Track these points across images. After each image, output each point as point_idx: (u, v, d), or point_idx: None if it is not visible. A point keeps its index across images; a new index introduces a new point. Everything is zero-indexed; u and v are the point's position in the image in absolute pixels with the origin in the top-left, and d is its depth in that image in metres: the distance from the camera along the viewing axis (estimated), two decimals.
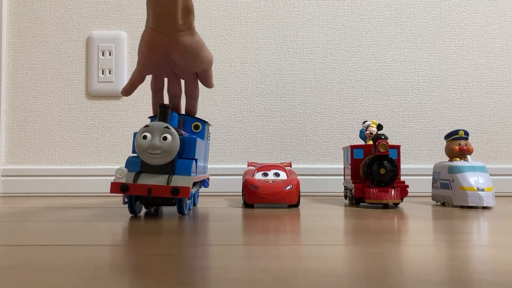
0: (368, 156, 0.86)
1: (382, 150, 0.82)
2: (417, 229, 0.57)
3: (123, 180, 0.60)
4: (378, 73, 1.20)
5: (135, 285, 0.29)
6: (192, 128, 0.76)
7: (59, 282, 0.30)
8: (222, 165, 1.18)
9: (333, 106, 1.19)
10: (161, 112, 0.64)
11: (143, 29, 1.20)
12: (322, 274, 0.32)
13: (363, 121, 0.97)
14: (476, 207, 0.82)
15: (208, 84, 0.78)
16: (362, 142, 0.94)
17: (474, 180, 0.83)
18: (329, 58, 1.20)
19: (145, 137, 0.61)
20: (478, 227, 0.59)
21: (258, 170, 0.89)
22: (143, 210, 0.75)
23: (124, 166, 0.63)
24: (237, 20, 1.19)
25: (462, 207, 0.83)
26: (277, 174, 0.87)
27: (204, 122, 0.77)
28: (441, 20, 1.20)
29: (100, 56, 1.17)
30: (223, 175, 1.16)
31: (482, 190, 0.82)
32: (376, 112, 1.19)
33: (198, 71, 0.75)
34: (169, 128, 0.61)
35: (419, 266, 0.35)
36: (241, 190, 0.89)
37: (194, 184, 0.73)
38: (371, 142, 0.90)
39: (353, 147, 0.90)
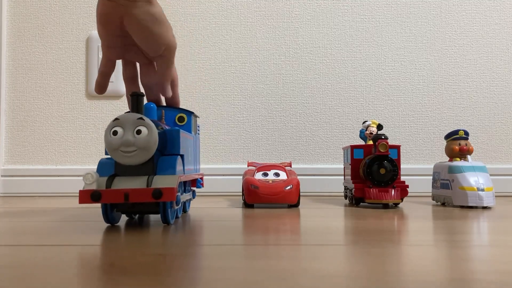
0: (368, 156, 0.86)
1: (382, 150, 0.82)
2: (417, 229, 0.57)
3: (94, 187, 0.50)
4: (378, 73, 1.20)
5: (135, 285, 0.29)
6: (176, 120, 0.66)
7: (58, 282, 0.30)
8: (222, 165, 1.17)
9: (333, 106, 1.19)
10: (133, 102, 0.54)
11: None
12: (322, 274, 0.32)
13: (363, 121, 0.97)
14: (476, 207, 0.82)
15: (163, 85, 0.64)
16: (362, 142, 0.94)
17: (474, 180, 0.83)
18: (329, 58, 1.20)
19: (115, 133, 0.51)
20: (478, 227, 0.59)
21: (258, 170, 0.89)
22: (124, 217, 0.64)
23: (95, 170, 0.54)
24: (237, 20, 1.19)
25: (462, 207, 0.83)
26: (277, 174, 0.87)
27: (189, 113, 0.67)
28: (441, 20, 1.20)
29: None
30: (223, 175, 1.16)
31: (482, 190, 0.82)
32: (376, 112, 1.19)
33: (155, 59, 0.62)
34: (143, 119, 0.51)
35: (419, 266, 0.35)
36: (241, 190, 0.89)
37: (183, 184, 0.63)
38: (371, 142, 0.90)
39: (353, 147, 0.90)
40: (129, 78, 0.67)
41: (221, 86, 1.19)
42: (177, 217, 0.62)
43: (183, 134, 0.58)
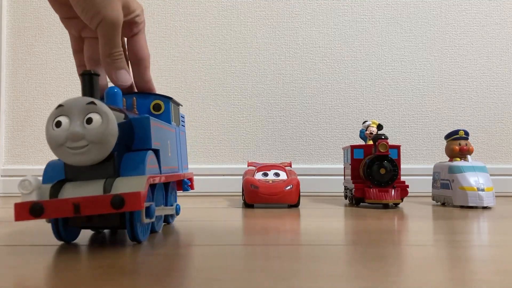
0: (368, 156, 0.86)
1: (382, 150, 0.82)
2: (417, 229, 0.57)
3: (34, 197, 0.39)
4: (378, 73, 1.19)
5: (135, 285, 0.29)
6: (151, 109, 0.54)
7: (58, 282, 0.30)
8: (222, 165, 1.17)
9: (333, 106, 1.19)
10: (85, 83, 0.41)
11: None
12: (322, 274, 0.32)
13: (363, 121, 0.97)
14: (476, 207, 0.82)
15: (104, 67, 0.50)
16: (362, 142, 0.94)
17: (474, 180, 0.83)
18: (329, 58, 1.20)
19: (59, 124, 0.39)
20: (478, 227, 0.59)
21: (258, 170, 0.89)
22: (87, 233, 0.51)
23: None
24: (237, 20, 1.19)
25: (462, 207, 0.83)
26: (277, 174, 0.87)
27: (167, 99, 0.55)
28: (441, 20, 1.20)
29: None
30: (223, 175, 1.16)
31: (482, 190, 0.82)
32: (376, 112, 1.19)
33: (98, 32, 0.48)
34: (95, 104, 0.39)
35: (419, 266, 0.35)
36: (241, 190, 0.89)
37: (163, 189, 0.52)
38: (371, 142, 0.90)
39: (353, 147, 0.90)
40: (76, 51, 0.54)
41: (221, 86, 1.19)
42: (154, 230, 0.50)
43: (156, 123, 0.47)
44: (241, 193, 0.89)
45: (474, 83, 1.20)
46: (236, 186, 1.10)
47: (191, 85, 1.18)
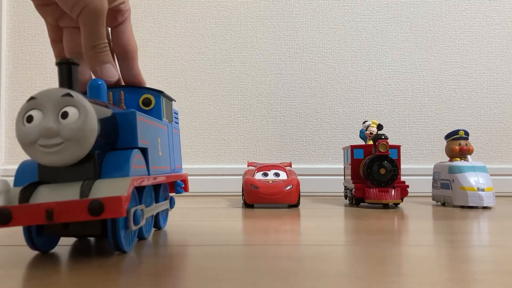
0: (368, 156, 0.86)
1: (382, 150, 0.82)
2: (417, 229, 0.57)
3: (1, 202, 0.35)
4: (378, 73, 1.19)
5: (136, 285, 0.29)
6: (140, 104, 0.50)
7: (58, 282, 0.30)
8: (222, 165, 1.17)
9: (333, 106, 1.19)
10: (61, 73, 0.37)
11: (143, 29, 1.21)
12: (322, 274, 0.32)
13: (363, 121, 0.97)
14: (476, 207, 0.82)
15: (87, 60, 0.44)
16: (362, 142, 0.94)
17: (474, 180, 0.83)
18: (329, 58, 1.20)
19: (30, 119, 0.35)
20: (478, 227, 0.59)
21: (258, 170, 0.89)
22: (67, 241, 0.46)
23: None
24: (237, 20, 1.19)
25: (462, 207, 0.83)
26: (277, 174, 0.87)
27: (158, 93, 0.50)
28: (441, 20, 1.20)
29: None
30: (223, 175, 1.16)
31: (482, 190, 0.82)
32: (376, 112, 1.19)
33: (80, 21, 0.43)
34: (71, 96, 0.35)
35: (419, 266, 0.35)
36: (241, 190, 0.89)
37: (153, 191, 0.47)
38: (371, 142, 0.90)
39: (353, 147, 0.90)
40: (72, 51, 0.48)
41: (221, 86, 1.19)
42: (142, 238, 0.46)
43: (145, 119, 0.43)
44: (241, 193, 0.89)
45: (474, 83, 1.20)
46: (236, 186, 1.10)
47: (191, 85, 1.18)
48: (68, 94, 0.35)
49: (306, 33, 1.20)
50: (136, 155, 0.39)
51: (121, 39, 0.49)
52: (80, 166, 0.36)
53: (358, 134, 0.96)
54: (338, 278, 0.31)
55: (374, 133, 0.90)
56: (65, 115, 0.34)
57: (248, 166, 0.98)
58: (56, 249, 0.41)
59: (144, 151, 0.42)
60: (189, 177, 1.26)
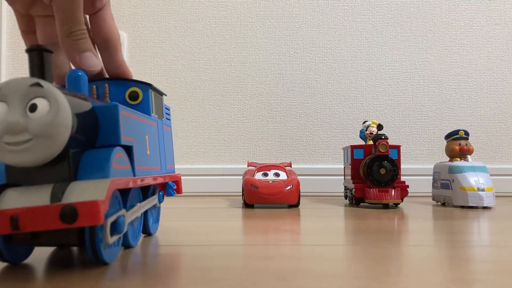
0: (368, 156, 0.86)
1: (382, 150, 0.82)
2: (417, 229, 0.57)
3: None
4: (378, 73, 1.19)
5: (135, 285, 0.29)
6: (126, 98, 0.45)
7: (58, 282, 0.30)
8: (222, 165, 1.17)
9: (333, 106, 1.19)
10: (32, 61, 0.32)
11: (143, 29, 1.21)
12: (322, 274, 0.32)
13: (363, 121, 0.97)
14: (476, 207, 0.82)
15: (63, 48, 0.39)
16: (362, 142, 0.94)
17: (474, 180, 0.83)
18: (329, 58, 1.20)
19: None
20: (478, 227, 0.59)
21: (258, 170, 0.89)
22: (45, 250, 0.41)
23: None
24: (237, 20, 1.19)
25: (462, 207, 0.83)
26: (277, 174, 0.87)
27: (145, 87, 0.46)
28: (441, 20, 1.20)
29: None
30: (223, 175, 1.16)
31: (483, 190, 0.82)
32: (376, 112, 1.19)
33: (54, 6, 0.39)
34: (41, 86, 0.30)
35: (419, 266, 0.35)
36: (241, 190, 0.89)
37: (144, 193, 0.45)
38: (371, 142, 0.90)
39: (353, 147, 0.90)
40: (47, 43, 0.43)
41: (221, 86, 1.19)
42: (128, 246, 0.41)
43: (130, 114, 0.38)
44: (241, 193, 0.89)
45: (474, 83, 1.20)
46: (236, 186, 1.10)
47: (191, 85, 1.18)
48: (37, 84, 0.30)
49: (306, 33, 1.20)
50: (118, 153, 0.35)
51: (101, 27, 0.44)
52: (53, 166, 0.32)
53: (358, 134, 0.96)
54: (338, 278, 0.31)
55: (374, 133, 0.90)
56: (33, 108, 0.30)
57: (248, 166, 0.98)
58: (29, 260, 0.36)
59: (128, 150, 0.38)
60: (189, 177, 1.26)
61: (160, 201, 0.50)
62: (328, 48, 1.20)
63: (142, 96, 0.45)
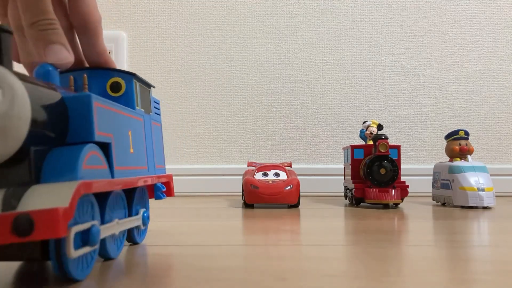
0: (368, 156, 0.86)
1: (382, 150, 0.82)
2: (417, 229, 0.57)
3: None
4: (378, 73, 1.19)
5: (136, 285, 0.29)
6: (107, 89, 0.40)
7: (58, 282, 0.30)
8: (222, 165, 1.17)
9: (333, 106, 1.19)
10: None
11: (143, 29, 1.21)
12: (322, 274, 0.32)
13: (363, 121, 0.97)
14: (476, 207, 0.82)
15: (38, 48, 0.34)
16: (362, 142, 0.94)
17: (474, 180, 0.83)
18: (329, 58, 1.20)
19: None
20: (478, 227, 0.59)
21: (258, 170, 0.89)
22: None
23: None
24: (237, 20, 1.19)
25: (462, 207, 0.83)
26: (277, 174, 0.87)
27: (129, 77, 0.41)
28: (441, 20, 1.20)
29: None
30: (223, 175, 1.16)
31: (483, 190, 0.82)
32: (376, 112, 1.19)
33: None
34: None
35: (419, 266, 0.35)
36: (241, 190, 0.89)
37: (129, 196, 0.40)
38: (371, 142, 0.90)
39: (353, 147, 0.90)
40: (18, 27, 0.38)
41: (221, 86, 1.19)
42: (108, 257, 0.35)
43: (107, 106, 0.34)
44: (241, 193, 0.89)
45: (474, 83, 1.20)
46: (236, 186, 1.10)
47: (191, 85, 1.18)
48: None
49: (306, 33, 1.20)
50: (90, 151, 0.30)
51: (79, 8, 0.39)
52: (9, 167, 0.27)
53: (358, 134, 0.96)
54: (338, 278, 0.31)
55: (374, 133, 0.90)
56: None
57: (248, 166, 0.98)
58: None
59: (106, 147, 0.33)
60: (189, 177, 1.25)
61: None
62: (328, 48, 1.20)
63: (125, 87, 0.41)
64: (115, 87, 0.40)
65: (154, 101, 0.47)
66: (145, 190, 0.45)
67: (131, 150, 0.38)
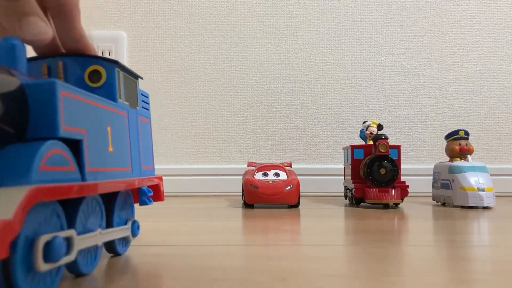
0: (368, 156, 0.86)
1: (382, 150, 0.82)
2: (417, 229, 0.57)
3: None
4: (378, 73, 1.19)
5: (136, 285, 0.29)
6: (86, 79, 0.35)
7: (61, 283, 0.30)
8: (222, 165, 1.17)
9: (333, 106, 1.19)
10: None
11: (143, 29, 1.21)
12: (322, 274, 0.32)
13: (363, 121, 0.97)
14: (476, 207, 0.82)
15: (12, 22, 0.30)
16: (362, 142, 0.94)
17: (474, 180, 0.83)
18: (329, 58, 1.20)
19: None
20: (478, 227, 0.59)
21: (258, 170, 0.89)
22: None
23: None
24: (237, 20, 1.19)
25: (462, 207, 0.83)
26: (277, 174, 0.87)
27: (110, 65, 0.36)
28: (441, 20, 1.20)
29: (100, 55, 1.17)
30: (223, 175, 1.16)
31: (483, 190, 0.82)
32: (376, 112, 1.19)
33: None
34: None
35: (419, 266, 0.35)
36: (241, 190, 0.89)
37: (108, 202, 0.35)
38: (371, 142, 0.90)
39: (353, 147, 0.90)
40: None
41: (221, 86, 1.19)
42: (79, 273, 0.30)
43: (79, 96, 0.28)
44: (241, 193, 0.89)
45: (474, 83, 1.20)
46: (236, 186, 1.10)
47: (191, 85, 1.18)
48: None
49: (306, 33, 1.20)
50: (51, 149, 0.25)
51: None
52: None
53: (358, 134, 0.96)
54: (338, 278, 0.31)
55: (374, 133, 0.90)
56: None
57: (248, 166, 0.98)
58: None
59: (76, 145, 0.28)
60: (189, 177, 1.25)
61: (135, 235, 0.39)
62: (328, 48, 1.20)
63: (106, 77, 0.35)
64: (94, 76, 0.35)
65: (142, 94, 0.42)
66: (130, 195, 0.39)
67: (110, 149, 0.33)
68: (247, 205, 0.84)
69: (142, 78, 0.42)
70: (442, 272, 0.33)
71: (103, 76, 0.35)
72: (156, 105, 1.16)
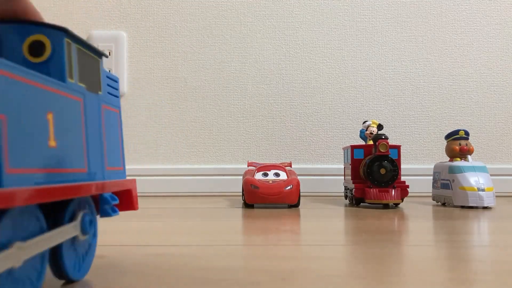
0: (368, 156, 0.86)
1: (382, 150, 0.82)
2: (417, 229, 0.57)
3: None
4: (378, 73, 1.19)
5: (136, 285, 0.29)
6: (24, 52, 0.27)
7: (58, 282, 0.30)
8: (222, 165, 1.17)
9: (333, 106, 1.19)
10: None
11: (143, 29, 1.21)
12: (322, 274, 0.32)
13: (363, 121, 0.97)
14: (476, 207, 0.82)
15: None
16: (362, 142, 0.94)
17: (474, 180, 0.83)
18: (329, 58, 1.20)
19: None
20: (478, 227, 0.59)
21: (258, 170, 0.89)
22: None
23: None
24: (237, 20, 1.19)
25: (462, 207, 0.83)
26: (277, 174, 0.87)
27: (58, 34, 0.28)
28: (441, 20, 1.20)
29: None
30: (223, 175, 1.16)
31: (483, 190, 0.82)
32: (376, 112, 1.19)
33: None
34: None
35: (419, 266, 0.35)
36: (241, 190, 0.89)
37: (50, 212, 0.27)
38: (371, 142, 0.90)
39: (353, 147, 0.90)
40: None
41: (221, 86, 1.19)
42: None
43: (8, 73, 0.21)
44: (241, 193, 0.89)
45: (474, 83, 1.20)
46: (236, 186, 1.10)
47: (191, 85, 1.18)
48: None
49: (306, 33, 1.20)
50: None
51: None
52: None
53: (358, 134, 0.96)
54: (338, 278, 0.31)
55: (374, 133, 0.90)
56: None
57: (248, 166, 0.98)
58: None
59: None
60: (189, 177, 1.25)
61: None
62: (328, 48, 1.20)
63: (52, 49, 0.27)
64: (36, 48, 0.27)
65: (108, 77, 0.34)
66: (91, 204, 0.31)
67: (52, 143, 0.25)
68: (247, 205, 0.84)
69: (107, 57, 0.34)
70: (442, 272, 0.33)
71: (47, 49, 0.27)
72: (156, 105, 1.16)
